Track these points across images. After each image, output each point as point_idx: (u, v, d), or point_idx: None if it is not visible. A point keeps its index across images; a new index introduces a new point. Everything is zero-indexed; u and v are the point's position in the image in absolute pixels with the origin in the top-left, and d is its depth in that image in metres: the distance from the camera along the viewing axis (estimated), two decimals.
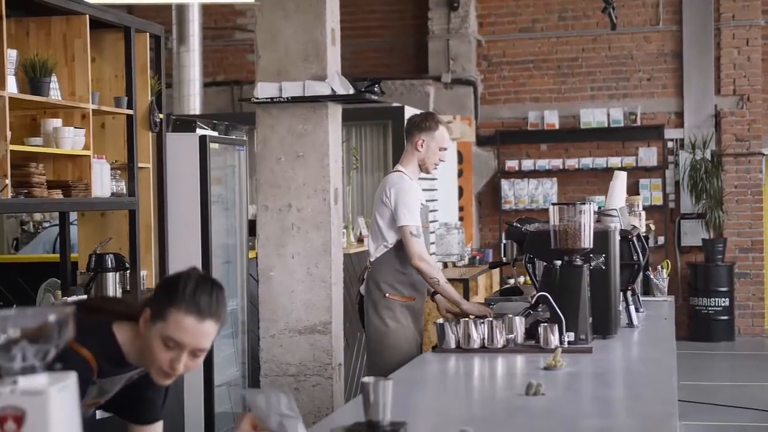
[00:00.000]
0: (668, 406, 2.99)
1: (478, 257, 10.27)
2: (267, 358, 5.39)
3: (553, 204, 4.35)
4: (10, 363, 1.73)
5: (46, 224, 8.17)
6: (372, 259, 5.09)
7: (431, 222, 9.65)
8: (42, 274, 5.76)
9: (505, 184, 12.55)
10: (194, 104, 10.42)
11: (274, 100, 5.27)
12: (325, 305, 5.33)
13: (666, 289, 6.21)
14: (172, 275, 2.59)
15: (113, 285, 5.35)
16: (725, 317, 11.88)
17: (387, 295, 4.99)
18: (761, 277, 12.28)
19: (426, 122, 5.15)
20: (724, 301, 11.85)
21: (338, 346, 5.45)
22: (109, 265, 5.32)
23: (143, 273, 5.69)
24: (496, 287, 9.87)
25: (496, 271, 10.29)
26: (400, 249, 4.99)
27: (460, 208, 11.86)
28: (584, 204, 4.29)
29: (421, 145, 5.10)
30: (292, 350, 5.36)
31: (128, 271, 5.51)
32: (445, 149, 5.17)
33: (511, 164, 12.55)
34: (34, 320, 1.77)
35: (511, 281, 10.37)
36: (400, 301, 5.01)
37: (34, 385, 1.73)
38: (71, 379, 1.81)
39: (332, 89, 5.24)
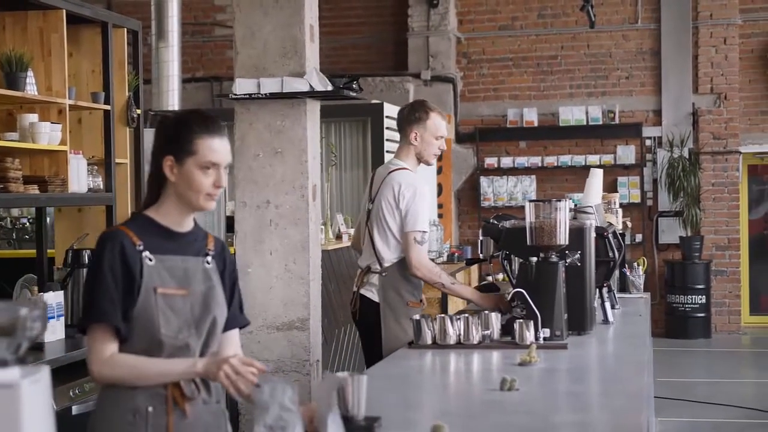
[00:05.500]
0: (637, 401, 3.02)
1: (457, 254, 10.28)
2: (245, 354, 5.38)
3: (530, 201, 4.36)
4: None
5: (24, 220, 8.13)
6: (386, 264, 4.84)
7: None
8: (19, 270, 5.73)
9: (484, 181, 12.58)
10: (173, 100, 10.36)
11: (253, 96, 5.25)
12: (303, 302, 5.32)
13: (642, 286, 6.25)
14: (166, 123, 2.91)
15: None
16: (702, 314, 11.96)
17: (409, 303, 4.84)
18: (737, 275, 12.37)
19: (416, 113, 4.92)
20: (700, 299, 11.93)
21: (316, 343, 5.45)
22: (86, 261, 5.30)
23: None
24: (475, 284, 9.89)
25: (474, 268, 10.31)
26: None
27: (440, 206, 11.88)
28: (560, 201, 4.30)
29: (416, 138, 4.91)
30: (270, 347, 5.35)
31: None
32: (442, 137, 4.95)
33: (491, 161, 12.59)
34: (6, 314, 1.78)
35: (489, 278, 10.38)
36: (420, 308, 4.88)
37: (6, 378, 1.74)
38: (44, 372, 1.82)
39: (310, 86, 5.23)
